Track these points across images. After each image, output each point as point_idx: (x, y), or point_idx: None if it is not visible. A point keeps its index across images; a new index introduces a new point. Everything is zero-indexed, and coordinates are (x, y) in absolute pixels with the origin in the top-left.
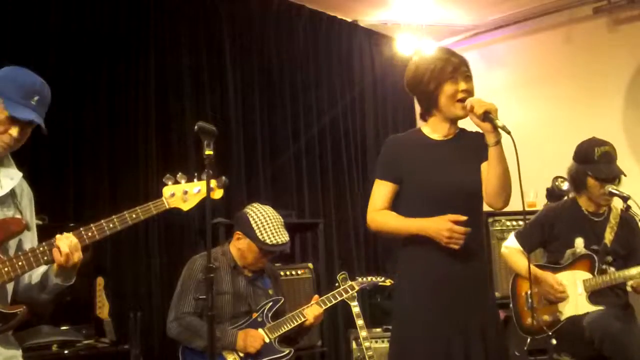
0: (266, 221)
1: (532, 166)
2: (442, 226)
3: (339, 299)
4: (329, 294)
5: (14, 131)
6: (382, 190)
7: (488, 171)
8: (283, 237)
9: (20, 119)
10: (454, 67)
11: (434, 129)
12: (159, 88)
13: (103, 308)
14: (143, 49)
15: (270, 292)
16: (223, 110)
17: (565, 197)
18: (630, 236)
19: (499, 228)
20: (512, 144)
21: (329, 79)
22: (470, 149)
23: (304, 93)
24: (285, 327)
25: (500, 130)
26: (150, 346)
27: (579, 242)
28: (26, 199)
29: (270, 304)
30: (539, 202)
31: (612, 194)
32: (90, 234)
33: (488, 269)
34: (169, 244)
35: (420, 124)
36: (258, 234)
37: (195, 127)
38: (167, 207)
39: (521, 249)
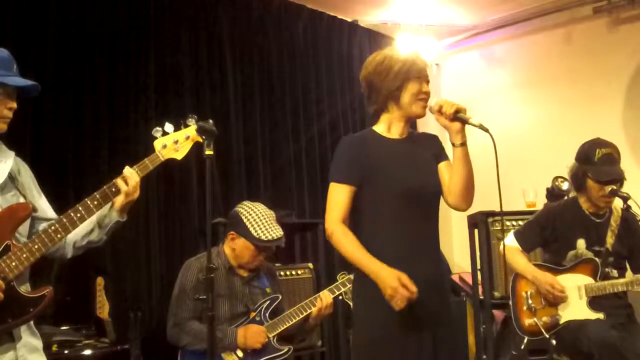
0: (259, 217)
1: (532, 166)
2: (390, 282)
3: (337, 292)
4: (327, 289)
5: (13, 103)
6: (342, 195)
7: (453, 172)
8: (277, 231)
9: (25, 86)
10: (421, 68)
11: (388, 128)
12: (159, 88)
13: (103, 308)
14: (143, 49)
15: (268, 290)
16: (223, 110)
17: (566, 197)
18: (632, 236)
19: (499, 228)
20: (486, 143)
21: (329, 79)
22: (426, 149)
23: (304, 93)
24: (288, 321)
25: (479, 129)
26: (150, 346)
27: (581, 244)
28: (25, 176)
29: (268, 302)
30: (539, 202)
31: (612, 194)
32: (95, 202)
33: (447, 271)
34: (169, 244)
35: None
36: (252, 231)
37: (195, 126)
38: (162, 159)
39: (520, 248)
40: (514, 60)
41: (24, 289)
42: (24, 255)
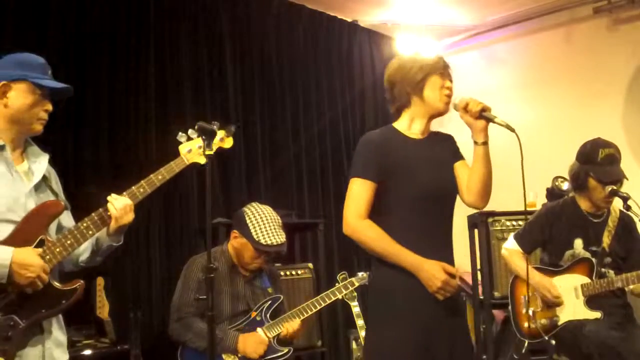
0: (262, 221)
1: (532, 166)
2: (438, 275)
3: (339, 295)
4: (327, 292)
5: (49, 105)
6: (363, 191)
7: (473, 170)
8: (279, 238)
9: (60, 88)
10: (444, 65)
11: (409, 125)
12: (159, 88)
13: (103, 308)
14: (143, 49)
15: (270, 290)
16: (223, 110)
17: (565, 197)
18: (629, 237)
19: (499, 228)
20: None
21: (329, 79)
22: (444, 149)
23: (304, 93)
24: (281, 326)
25: (505, 128)
26: (150, 346)
27: (578, 244)
28: (55, 179)
29: (269, 302)
30: (539, 202)
31: (612, 194)
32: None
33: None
34: (169, 244)
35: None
36: (253, 233)
37: (195, 127)
38: (187, 162)
39: (521, 250)
40: (514, 60)
41: (56, 282)
42: (58, 250)
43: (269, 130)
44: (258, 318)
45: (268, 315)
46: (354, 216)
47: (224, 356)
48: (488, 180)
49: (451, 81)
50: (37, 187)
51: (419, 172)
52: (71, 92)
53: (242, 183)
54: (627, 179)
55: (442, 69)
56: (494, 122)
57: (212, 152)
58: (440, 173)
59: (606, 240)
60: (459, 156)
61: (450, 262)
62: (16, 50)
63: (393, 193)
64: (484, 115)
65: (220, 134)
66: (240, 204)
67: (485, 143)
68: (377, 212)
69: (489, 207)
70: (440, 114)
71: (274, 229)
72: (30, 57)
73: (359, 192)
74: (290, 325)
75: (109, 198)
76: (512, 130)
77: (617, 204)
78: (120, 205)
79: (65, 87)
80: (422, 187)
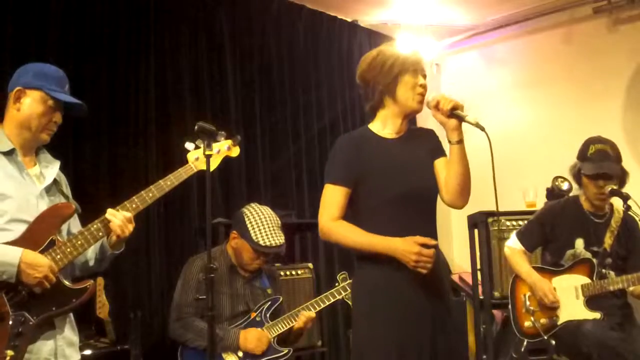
0: (261, 222)
1: (532, 166)
2: (410, 249)
3: (338, 297)
4: (327, 292)
5: (59, 117)
6: (336, 196)
7: (449, 170)
8: (277, 239)
9: (72, 103)
10: (416, 62)
11: (384, 126)
12: (159, 88)
13: (103, 308)
14: (143, 49)
15: (269, 291)
16: (223, 110)
17: (567, 196)
18: (630, 238)
19: (499, 228)
20: (482, 143)
21: (329, 79)
22: (422, 147)
23: (304, 93)
24: (289, 323)
25: (475, 127)
26: (150, 346)
27: (579, 243)
28: (65, 184)
29: (269, 303)
30: (539, 202)
31: (612, 194)
32: (134, 205)
33: (447, 271)
34: (169, 244)
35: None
36: (252, 234)
37: (196, 127)
38: (195, 170)
39: (523, 249)
40: (514, 60)
41: (67, 281)
42: (68, 250)
43: (269, 130)
44: (258, 319)
45: (268, 316)
46: (326, 220)
47: (224, 355)
48: (465, 179)
49: (424, 77)
50: (48, 190)
51: (394, 173)
52: (85, 110)
53: (241, 183)
54: (618, 175)
55: (414, 66)
56: (464, 120)
57: (212, 152)
58: (416, 173)
59: (608, 241)
60: (439, 153)
61: (436, 262)
62: (16, 51)
63: (369, 197)
64: (454, 113)
65: (227, 143)
66: (240, 204)
67: (460, 142)
68: (356, 217)
69: (488, 207)
70: (414, 113)
71: (273, 230)
72: (50, 69)
73: (331, 198)
74: (306, 315)
75: (107, 216)
76: (482, 129)
77: (620, 204)
78: (118, 222)
79: (78, 103)
80: (397, 189)
